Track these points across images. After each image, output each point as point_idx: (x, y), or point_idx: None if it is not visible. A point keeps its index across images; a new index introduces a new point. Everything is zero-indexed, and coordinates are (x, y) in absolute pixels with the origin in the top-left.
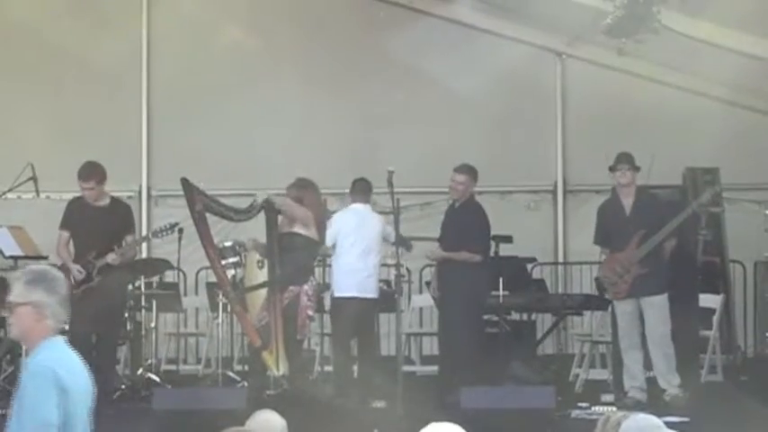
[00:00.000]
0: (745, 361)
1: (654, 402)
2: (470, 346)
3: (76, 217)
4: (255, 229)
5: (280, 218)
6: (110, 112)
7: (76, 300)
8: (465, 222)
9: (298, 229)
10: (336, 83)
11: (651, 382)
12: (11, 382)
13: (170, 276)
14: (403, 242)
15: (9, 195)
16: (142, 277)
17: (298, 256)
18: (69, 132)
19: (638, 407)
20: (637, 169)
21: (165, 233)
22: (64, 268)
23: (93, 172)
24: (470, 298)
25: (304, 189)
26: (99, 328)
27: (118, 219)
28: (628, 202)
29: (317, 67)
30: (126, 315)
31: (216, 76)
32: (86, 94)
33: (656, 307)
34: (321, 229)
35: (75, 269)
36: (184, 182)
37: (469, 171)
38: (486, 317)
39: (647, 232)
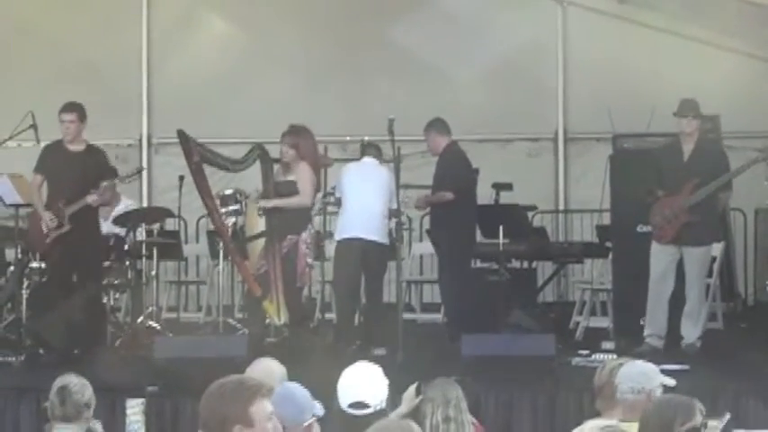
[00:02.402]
0: (746, 309)
1: (656, 350)
2: (459, 291)
3: (51, 161)
4: (256, 178)
5: (276, 166)
6: (110, 59)
7: (49, 247)
8: (442, 167)
9: (294, 177)
10: (336, 32)
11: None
12: (12, 330)
13: (171, 224)
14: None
15: (9, 143)
16: (143, 225)
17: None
18: (70, 80)
19: (655, 354)
20: (701, 117)
21: (131, 179)
22: (36, 214)
23: (74, 106)
24: (456, 241)
25: (299, 136)
26: (77, 273)
27: (92, 164)
28: (688, 148)
29: (317, 16)
30: (118, 262)
31: (217, 25)
32: (87, 41)
33: (699, 256)
34: (318, 174)
35: (48, 218)
36: (181, 134)
37: (429, 126)
38: (486, 264)
39: (701, 180)
